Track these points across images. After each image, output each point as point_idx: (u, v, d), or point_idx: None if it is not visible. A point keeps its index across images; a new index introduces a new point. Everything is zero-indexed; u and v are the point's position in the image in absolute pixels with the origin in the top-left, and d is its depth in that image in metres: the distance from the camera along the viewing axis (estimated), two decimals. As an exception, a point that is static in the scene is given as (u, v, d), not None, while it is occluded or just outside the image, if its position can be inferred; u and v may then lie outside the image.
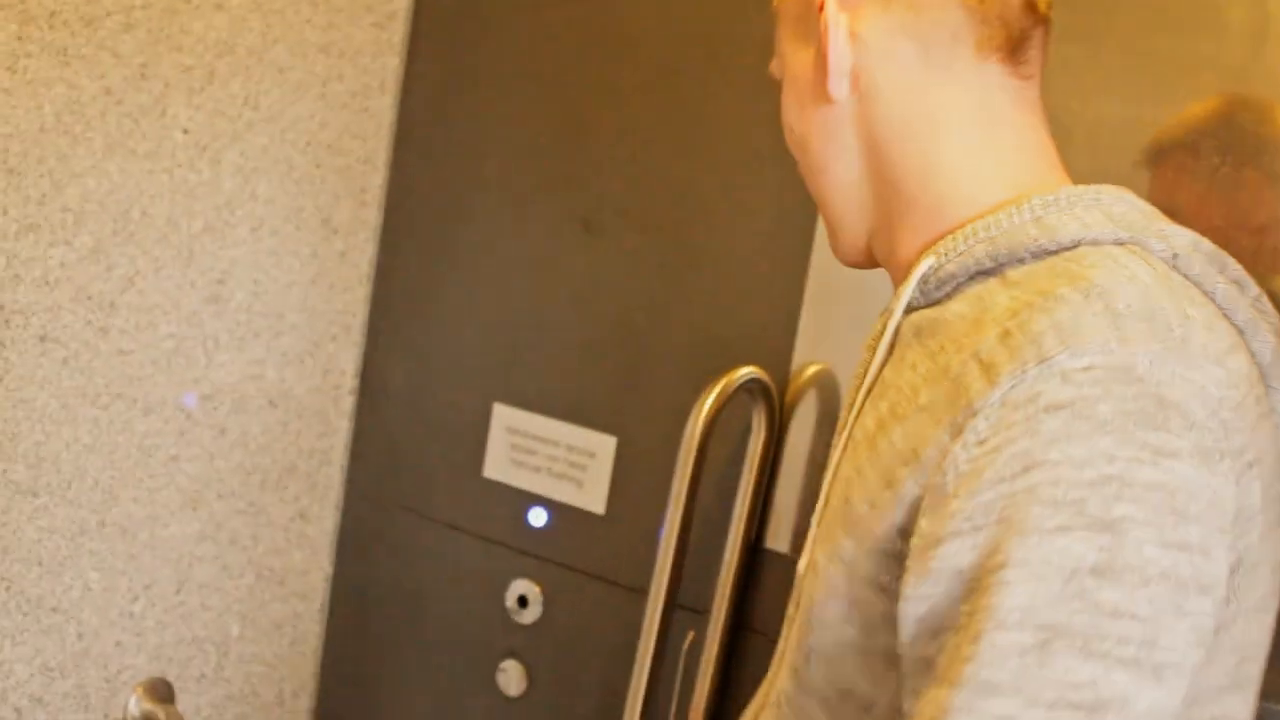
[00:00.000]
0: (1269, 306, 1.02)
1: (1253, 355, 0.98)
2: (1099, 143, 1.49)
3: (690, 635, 1.78)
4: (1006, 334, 0.91)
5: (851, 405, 1.09)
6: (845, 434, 1.07)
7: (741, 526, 1.75)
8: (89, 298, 1.72)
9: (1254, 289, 1.02)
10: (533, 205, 1.93)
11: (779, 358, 1.74)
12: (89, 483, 1.79)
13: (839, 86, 1.05)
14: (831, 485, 1.07)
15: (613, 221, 1.87)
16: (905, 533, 0.93)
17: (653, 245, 1.83)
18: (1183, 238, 0.99)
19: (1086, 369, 0.86)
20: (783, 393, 1.74)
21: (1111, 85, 1.50)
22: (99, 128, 1.69)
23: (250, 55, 1.85)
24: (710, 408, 1.66)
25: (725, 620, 1.76)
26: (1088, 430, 0.85)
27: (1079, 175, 1.07)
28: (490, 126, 1.97)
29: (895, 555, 0.94)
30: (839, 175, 1.10)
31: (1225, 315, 0.97)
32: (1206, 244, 1.00)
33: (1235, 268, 1.01)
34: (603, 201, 1.87)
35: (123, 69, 1.70)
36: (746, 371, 1.70)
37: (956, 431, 0.90)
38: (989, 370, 0.90)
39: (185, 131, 1.79)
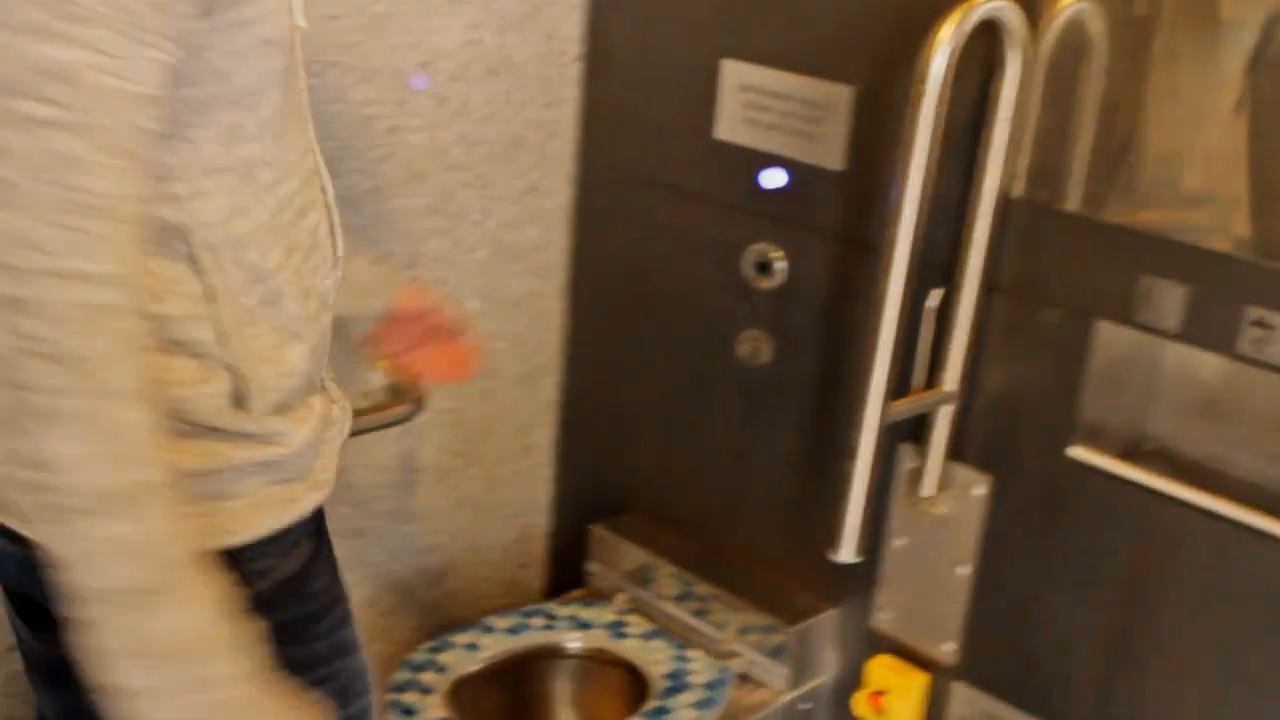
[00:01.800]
0: None
1: None
2: None
3: (938, 294, 1.65)
4: None
5: None
6: None
7: (990, 177, 1.59)
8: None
9: None
10: None
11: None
12: (311, 157, 1.76)
13: None
14: None
15: None
16: None
17: None
18: None
19: None
20: (1035, 25, 1.54)
21: None
22: None
23: None
24: (951, 40, 1.48)
25: (980, 277, 1.61)
26: None
27: None
28: None
29: None
30: None
31: None
32: None
33: None
34: None
35: None
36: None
37: None
38: None
39: None
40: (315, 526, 1.23)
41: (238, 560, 1.10)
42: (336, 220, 1.22)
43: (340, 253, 1.23)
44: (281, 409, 1.12)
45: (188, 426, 1.05)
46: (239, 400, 1.07)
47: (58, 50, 0.85)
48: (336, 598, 1.25)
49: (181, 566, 0.95)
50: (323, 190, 1.19)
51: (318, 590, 1.22)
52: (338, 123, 1.77)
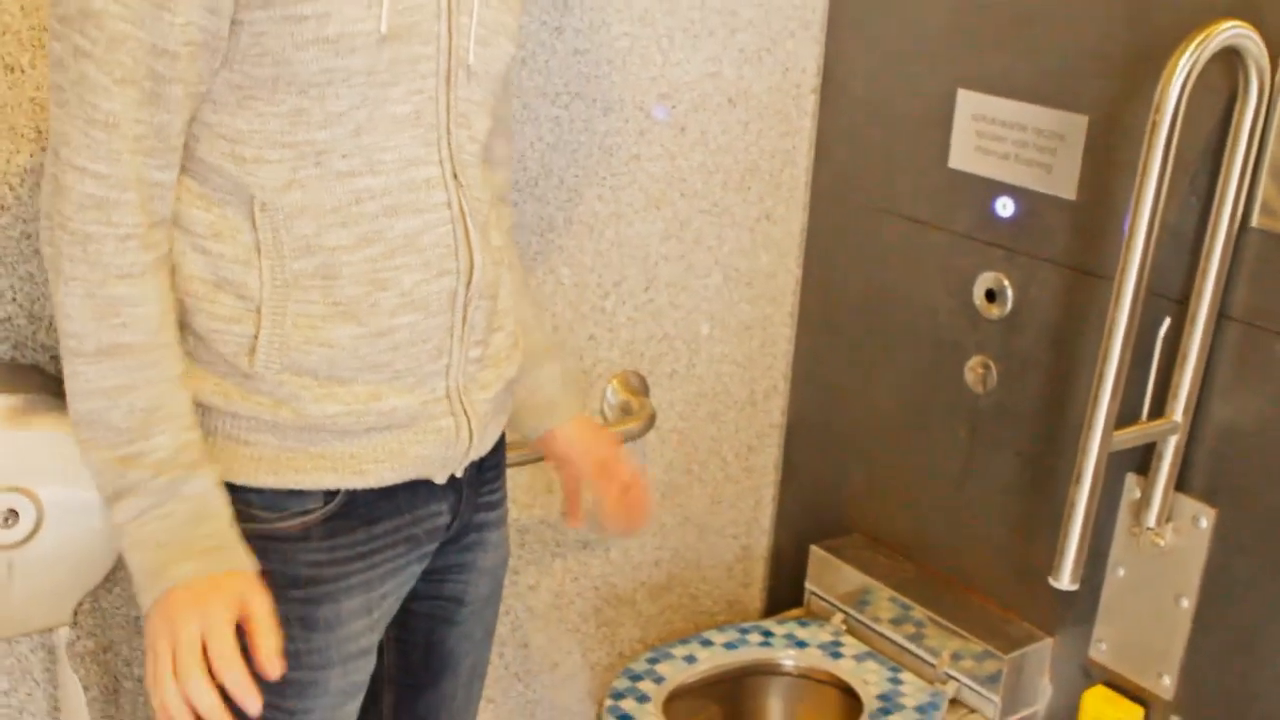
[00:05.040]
0: None
1: None
2: None
3: (1166, 322, 1.64)
4: None
5: None
6: None
7: (1228, 205, 1.58)
8: (539, -7, 1.76)
9: None
10: None
11: (1269, 11, 1.53)
12: (555, 180, 1.85)
13: None
14: None
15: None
16: None
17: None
18: None
19: None
20: (1274, 53, 1.53)
21: None
22: None
23: None
24: (1186, 69, 1.48)
25: (1210, 306, 1.60)
26: None
27: None
28: None
29: None
30: None
31: None
32: None
33: None
34: None
35: None
36: (1229, 27, 1.50)
37: None
38: None
39: None
40: (340, 509, 1.29)
41: (235, 494, 1.25)
42: (475, 240, 1.28)
43: (474, 271, 1.28)
44: (303, 372, 1.22)
45: (216, 357, 1.23)
46: (254, 347, 1.22)
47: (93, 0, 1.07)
48: (329, 577, 1.30)
49: (157, 421, 1.17)
50: (448, 206, 1.25)
51: (308, 561, 1.29)
52: (581, 151, 1.87)
